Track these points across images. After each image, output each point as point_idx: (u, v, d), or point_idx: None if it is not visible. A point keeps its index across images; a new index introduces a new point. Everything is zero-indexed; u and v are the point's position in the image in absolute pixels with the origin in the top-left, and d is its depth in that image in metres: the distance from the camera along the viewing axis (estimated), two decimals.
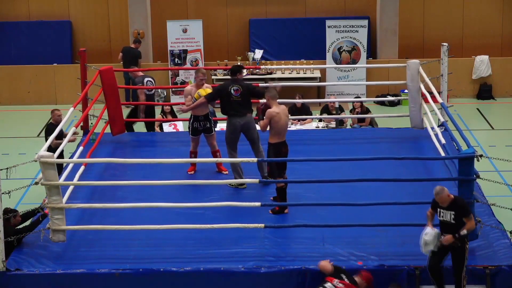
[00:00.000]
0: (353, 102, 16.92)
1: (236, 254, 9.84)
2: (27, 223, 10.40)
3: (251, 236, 10.18)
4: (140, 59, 21.24)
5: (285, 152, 11.09)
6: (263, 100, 11.79)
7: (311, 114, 17.06)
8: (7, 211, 9.99)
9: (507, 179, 14.66)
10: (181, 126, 16.42)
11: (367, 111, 16.50)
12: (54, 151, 13.08)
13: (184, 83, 21.63)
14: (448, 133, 11.96)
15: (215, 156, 12.38)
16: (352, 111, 16.93)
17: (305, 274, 9.49)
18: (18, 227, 10.17)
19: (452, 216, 9.12)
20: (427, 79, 13.57)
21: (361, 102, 16.39)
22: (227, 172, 12.28)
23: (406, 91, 15.17)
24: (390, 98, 19.89)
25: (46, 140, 12.50)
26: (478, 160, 9.61)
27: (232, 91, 11.77)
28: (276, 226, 10.32)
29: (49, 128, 11.94)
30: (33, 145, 17.34)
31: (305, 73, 21.43)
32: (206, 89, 12.09)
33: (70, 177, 11.40)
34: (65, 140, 11.96)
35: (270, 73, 21.11)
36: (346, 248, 9.85)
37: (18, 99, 21.90)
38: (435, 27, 22.64)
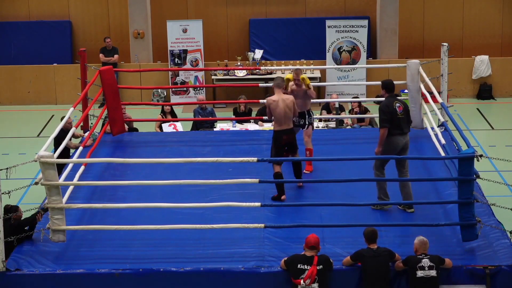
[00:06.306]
0: (351, 102, 16.89)
1: (236, 254, 9.83)
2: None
3: (251, 236, 10.17)
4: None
5: (286, 139, 11.33)
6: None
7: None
8: (7, 208, 10.01)
9: (507, 179, 14.66)
10: (181, 126, 16.41)
11: (365, 110, 16.50)
12: (69, 152, 13.20)
13: (184, 83, 21.63)
14: (448, 133, 11.96)
15: (306, 155, 12.30)
16: (351, 111, 16.94)
17: None
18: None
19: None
20: (427, 79, 13.57)
21: (359, 102, 16.38)
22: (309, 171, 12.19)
23: (406, 91, 15.15)
24: None
25: (56, 144, 12.55)
26: (478, 160, 9.60)
27: (396, 107, 10.86)
28: (276, 226, 10.30)
29: (59, 135, 12.03)
30: (33, 145, 17.34)
31: (305, 73, 21.43)
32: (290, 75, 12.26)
33: (70, 177, 11.40)
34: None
35: (270, 73, 21.10)
36: (346, 248, 9.83)
37: (18, 99, 21.90)
38: (435, 27, 22.64)
